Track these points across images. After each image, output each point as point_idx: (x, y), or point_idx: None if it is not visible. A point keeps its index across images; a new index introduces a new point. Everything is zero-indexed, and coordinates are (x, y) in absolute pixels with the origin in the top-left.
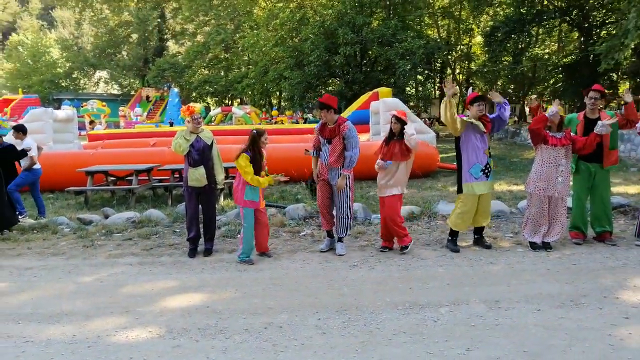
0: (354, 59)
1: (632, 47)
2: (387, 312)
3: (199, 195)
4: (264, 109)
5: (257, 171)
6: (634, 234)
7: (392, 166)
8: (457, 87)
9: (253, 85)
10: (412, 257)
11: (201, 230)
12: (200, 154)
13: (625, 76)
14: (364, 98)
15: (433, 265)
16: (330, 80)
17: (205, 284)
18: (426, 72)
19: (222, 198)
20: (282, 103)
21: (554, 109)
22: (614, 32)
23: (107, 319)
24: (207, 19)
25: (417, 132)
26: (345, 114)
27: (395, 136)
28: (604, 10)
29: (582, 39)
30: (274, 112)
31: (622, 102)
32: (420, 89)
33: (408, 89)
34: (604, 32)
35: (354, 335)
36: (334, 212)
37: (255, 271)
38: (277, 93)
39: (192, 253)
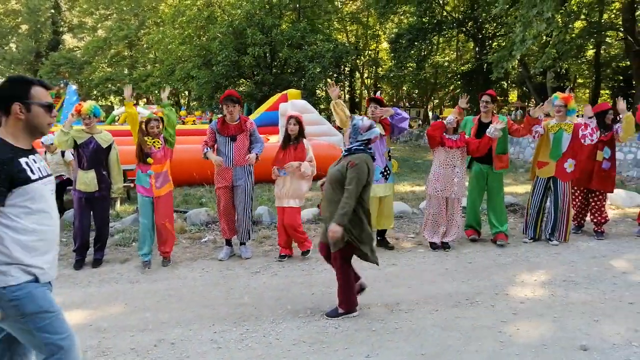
0: (263, 60)
1: (518, 58)
2: (287, 321)
3: (89, 201)
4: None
5: (141, 157)
6: (522, 231)
7: (287, 176)
8: (338, 89)
9: (159, 84)
10: (317, 260)
11: (92, 239)
12: (92, 156)
13: (513, 85)
14: (273, 99)
15: None
16: (240, 81)
17: (90, 299)
18: (335, 75)
19: (118, 203)
20: (190, 103)
21: (450, 117)
22: (504, 44)
23: None
24: (108, 12)
25: (325, 134)
26: (254, 115)
27: (291, 140)
28: (494, 24)
29: (476, 49)
30: (182, 112)
31: (520, 107)
32: None
33: (318, 91)
34: (495, 43)
35: (251, 348)
36: (236, 218)
37: (149, 282)
38: (186, 93)
39: (79, 264)
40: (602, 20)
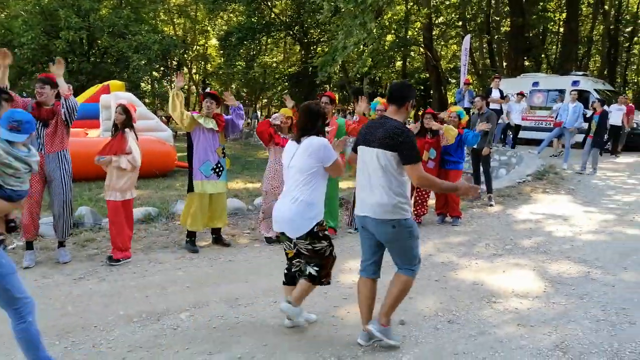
0: (79, 47)
1: (340, 63)
2: (120, 327)
3: None
4: None
5: None
6: (347, 223)
7: (114, 168)
8: (184, 79)
9: None
10: (149, 262)
11: None
12: None
13: (335, 88)
14: (92, 90)
15: (172, 268)
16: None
17: None
18: (162, 69)
19: None
20: None
21: (276, 115)
22: (327, 49)
23: None
24: None
25: (153, 129)
26: None
27: (119, 128)
28: (319, 30)
29: (302, 53)
30: None
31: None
32: (157, 85)
33: (143, 85)
34: (319, 48)
35: None
36: (53, 214)
37: None
38: None
39: None
40: (408, 36)
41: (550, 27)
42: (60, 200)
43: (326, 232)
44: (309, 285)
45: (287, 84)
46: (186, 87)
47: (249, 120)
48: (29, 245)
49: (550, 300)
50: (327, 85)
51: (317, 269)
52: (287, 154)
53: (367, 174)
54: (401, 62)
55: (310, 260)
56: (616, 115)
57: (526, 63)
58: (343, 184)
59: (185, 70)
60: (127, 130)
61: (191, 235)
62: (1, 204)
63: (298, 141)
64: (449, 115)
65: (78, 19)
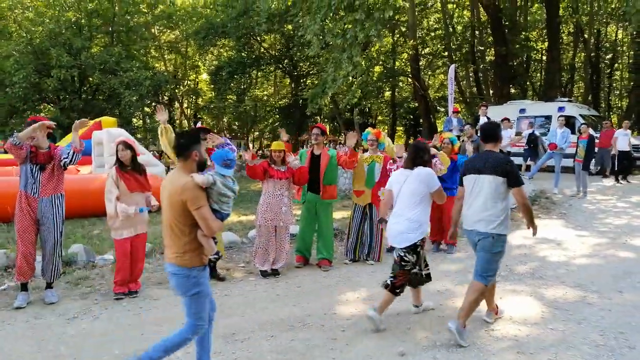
0: (71, 84)
1: (330, 95)
2: None
3: None
4: None
5: None
6: (343, 253)
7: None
8: (167, 113)
9: None
10: (144, 299)
11: None
12: None
13: (326, 120)
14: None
15: (167, 305)
16: (42, 105)
17: None
18: (154, 104)
19: None
20: None
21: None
22: (316, 82)
23: None
24: None
25: (145, 164)
26: (63, 143)
27: (128, 166)
28: (308, 63)
29: (292, 85)
30: None
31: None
32: (148, 121)
33: (135, 120)
34: (309, 81)
35: None
36: (43, 256)
37: None
38: None
39: None
40: (396, 67)
41: (534, 56)
42: (51, 244)
43: (421, 250)
44: (388, 294)
45: (278, 116)
46: (178, 121)
47: (241, 153)
48: (24, 287)
49: (548, 326)
50: (318, 117)
51: (392, 279)
52: (399, 178)
53: (478, 197)
54: (390, 92)
55: (393, 268)
56: (623, 140)
57: (512, 90)
58: (336, 214)
59: (177, 104)
60: (146, 169)
61: None
62: (218, 224)
63: (411, 168)
64: (442, 141)
65: (69, 57)
